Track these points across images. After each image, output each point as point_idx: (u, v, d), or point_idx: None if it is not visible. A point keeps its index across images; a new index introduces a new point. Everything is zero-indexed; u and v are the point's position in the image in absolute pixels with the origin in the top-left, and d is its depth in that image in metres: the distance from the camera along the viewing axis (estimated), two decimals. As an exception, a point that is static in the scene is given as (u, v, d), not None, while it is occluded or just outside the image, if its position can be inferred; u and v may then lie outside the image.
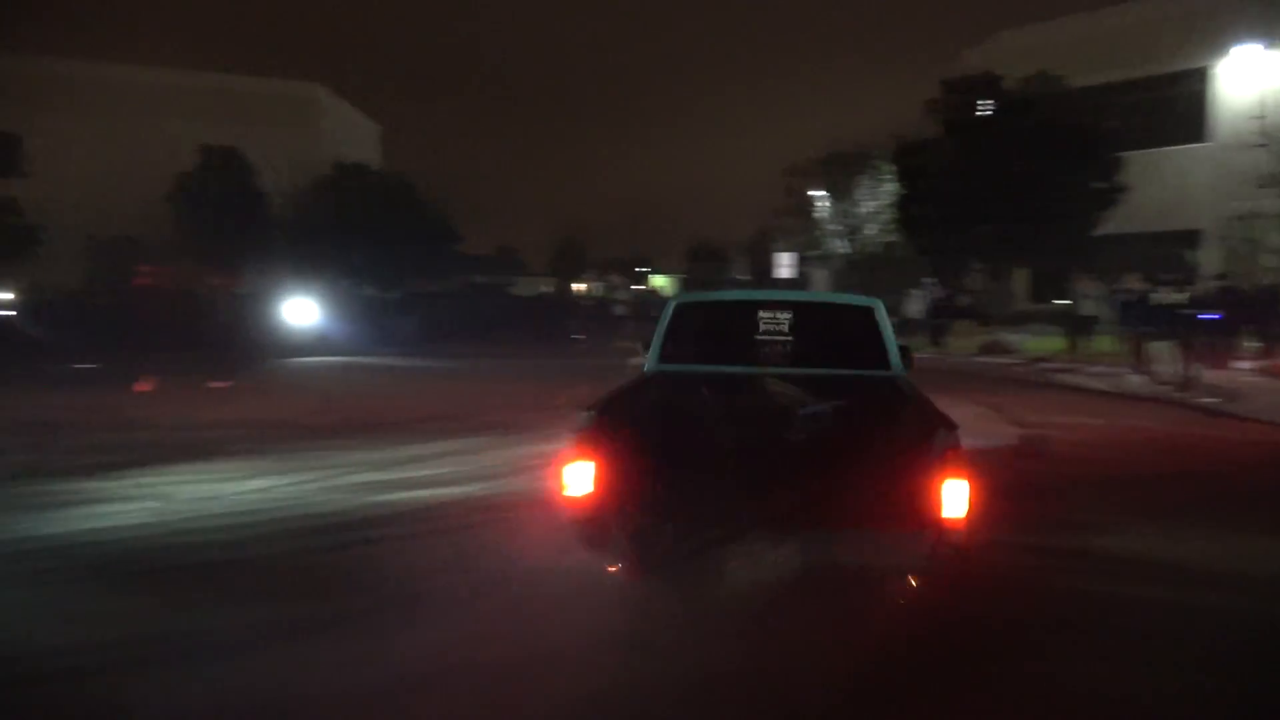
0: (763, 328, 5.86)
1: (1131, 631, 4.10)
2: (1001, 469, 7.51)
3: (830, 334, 5.95)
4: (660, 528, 4.49)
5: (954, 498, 3.95)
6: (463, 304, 32.14)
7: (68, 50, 34.88)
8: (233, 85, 35.85)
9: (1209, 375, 13.46)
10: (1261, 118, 19.29)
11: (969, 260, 22.13)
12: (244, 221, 29.62)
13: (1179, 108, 25.58)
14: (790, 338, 5.81)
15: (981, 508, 4.37)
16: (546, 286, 60.24)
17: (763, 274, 42.33)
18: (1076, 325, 17.13)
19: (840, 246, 27.41)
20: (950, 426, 4.11)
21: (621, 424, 4.32)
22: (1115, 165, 19.67)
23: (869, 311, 5.95)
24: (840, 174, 26.56)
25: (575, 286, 59.96)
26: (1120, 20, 26.77)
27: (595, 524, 4.25)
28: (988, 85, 20.10)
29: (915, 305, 22.76)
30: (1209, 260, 23.51)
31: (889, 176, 23.90)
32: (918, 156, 20.88)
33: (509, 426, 9.94)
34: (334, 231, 30.37)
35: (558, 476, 4.35)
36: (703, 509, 4.38)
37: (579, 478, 4.19)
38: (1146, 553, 5.36)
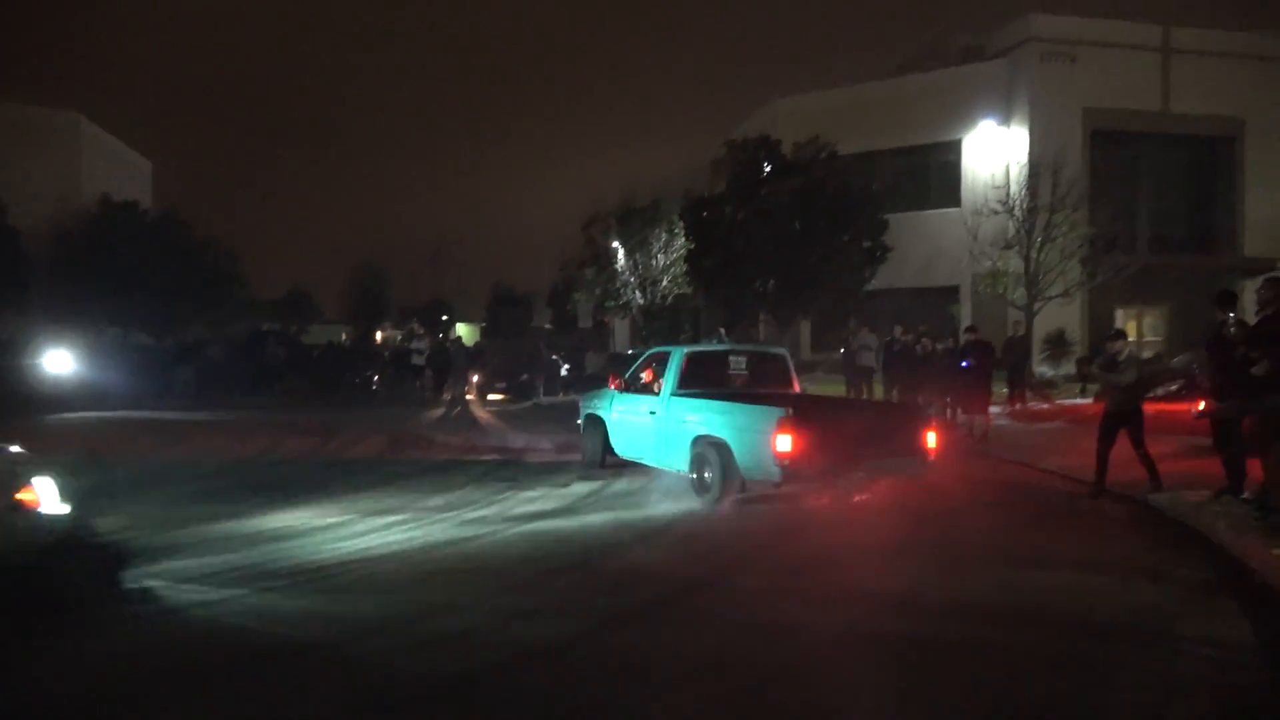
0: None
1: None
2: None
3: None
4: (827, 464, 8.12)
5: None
6: (247, 352, 30.27)
7: None
8: (-21, 111, 32.48)
9: (963, 419, 14.77)
10: (999, 186, 21.65)
11: (756, 311, 23.30)
12: (-7, 262, 26.73)
13: (935, 175, 28.29)
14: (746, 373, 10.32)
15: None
16: (345, 333, 57.96)
17: (565, 323, 42.73)
18: (855, 374, 18.31)
19: (638, 297, 28.09)
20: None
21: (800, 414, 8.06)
22: (881, 225, 21.44)
23: (783, 356, 10.91)
24: (635, 226, 27.31)
25: (377, 334, 58.05)
26: (884, 93, 29.34)
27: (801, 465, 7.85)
28: (766, 147, 21.43)
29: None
30: (966, 314, 25.98)
31: (680, 230, 24.85)
32: (705, 212, 21.88)
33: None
34: (100, 274, 27.97)
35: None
36: (843, 453, 8.16)
37: (787, 444, 7.84)
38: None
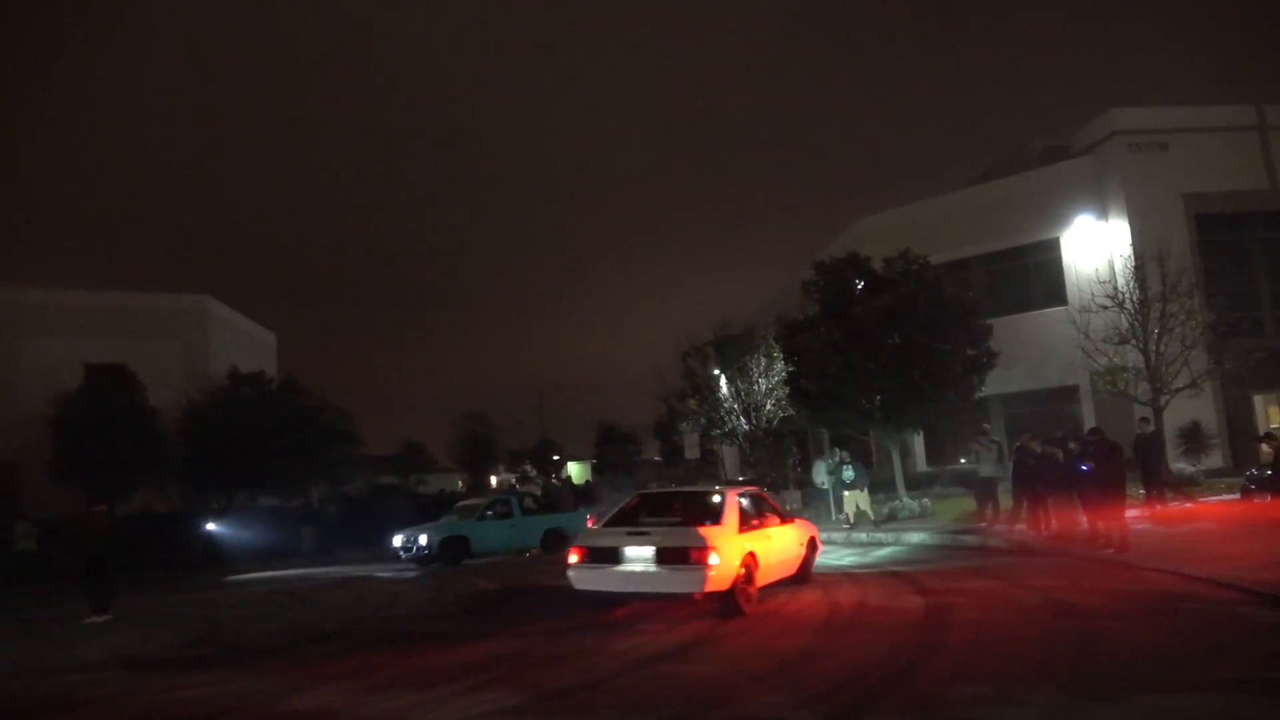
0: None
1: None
2: (893, 645, 7.46)
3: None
4: None
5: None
6: (368, 507, 31.31)
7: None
8: (119, 302, 35.40)
9: (1101, 526, 13.90)
10: (1105, 281, 20.97)
11: (863, 429, 22.81)
12: (134, 439, 28.56)
13: (1035, 275, 27.72)
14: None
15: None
16: (461, 480, 59.19)
17: (673, 455, 42.61)
18: (981, 487, 17.61)
19: (742, 424, 27.93)
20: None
21: None
22: (984, 332, 20.92)
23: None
24: (732, 354, 27.42)
25: (491, 478, 59.12)
26: (970, 201, 29.28)
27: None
28: (855, 265, 21.42)
29: (821, 475, 23.13)
30: (1089, 414, 24.85)
31: (778, 354, 24.82)
32: (799, 335, 21.81)
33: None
34: (229, 442, 29.51)
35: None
36: None
37: None
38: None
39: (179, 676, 8.45)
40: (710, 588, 9.16)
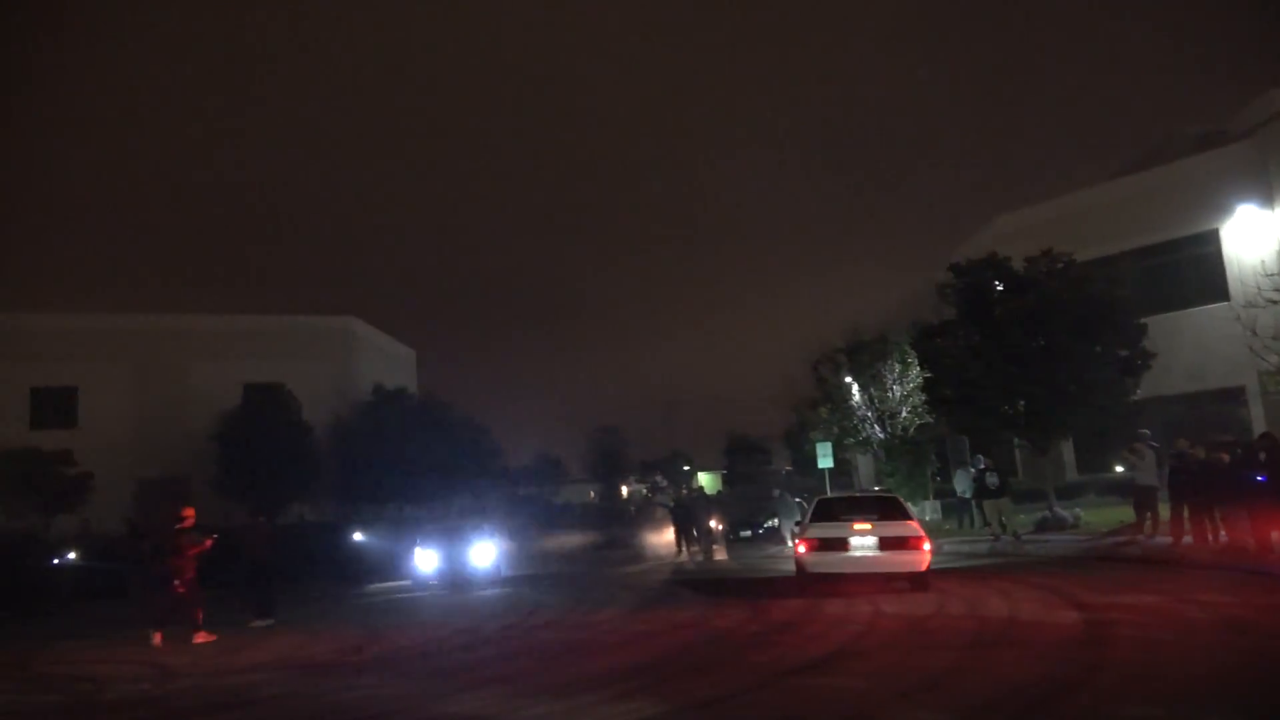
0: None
1: None
2: (1049, 663, 7.11)
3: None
4: None
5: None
6: (508, 517, 32.30)
7: (114, 306, 37.22)
8: (273, 325, 37.65)
9: (1276, 538, 12.91)
10: (1273, 274, 19.41)
11: (1007, 436, 21.90)
12: (289, 454, 30.31)
13: (1192, 270, 25.91)
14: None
15: None
16: (592, 491, 60.14)
17: (805, 464, 41.96)
18: (1140, 495, 16.64)
19: (877, 432, 27.30)
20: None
21: None
22: (1137, 332, 19.75)
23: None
24: (865, 360, 26.85)
25: (622, 489, 59.86)
26: (1118, 194, 27.70)
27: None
28: (994, 266, 20.58)
29: (963, 484, 22.37)
30: (1257, 417, 23.07)
31: (913, 360, 24.14)
32: (936, 340, 21.13)
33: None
34: (375, 456, 30.91)
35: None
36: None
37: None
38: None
39: (339, 680, 8.88)
40: (923, 567, 12.26)
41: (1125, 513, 18.44)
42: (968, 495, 22.05)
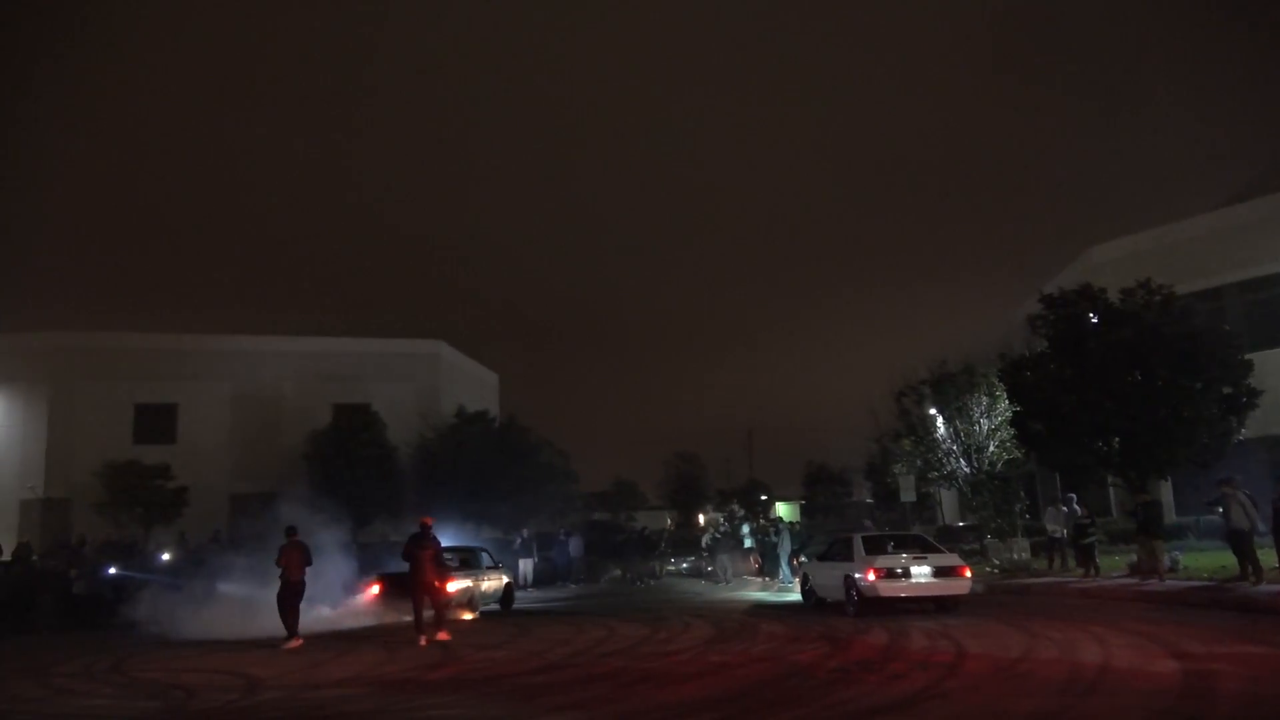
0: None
1: None
2: (1144, 714, 6.77)
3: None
4: None
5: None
6: (578, 544, 32.44)
7: (214, 327, 38.86)
8: (362, 349, 38.75)
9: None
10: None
11: (1101, 474, 21.08)
12: (375, 474, 31.04)
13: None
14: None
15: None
16: (670, 518, 59.87)
17: (887, 497, 41.14)
18: (1234, 541, 15.83)
19: (962, 467, 26.58)
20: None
21: None
22: (1242, 368, 18.86)
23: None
24: (951, 393, 26.21)
25: (700, 517, 59.42)
26: (1224, 224, 26.65)
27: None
28: (1088, 298, 19.93)
29: (1054, 523, 21.59)
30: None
31: (1001, 393, 23.47)
32: (1026, 373, 20.53)
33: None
34: (457, 478, 31.41)
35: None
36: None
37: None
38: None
39: (418, 698, 9.01)
40: (967, 591, 15.13)
41: (1227, 558, 17.55)
42: (1059, 535, 21.27)
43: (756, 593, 22.23)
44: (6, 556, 23.48)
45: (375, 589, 17.71)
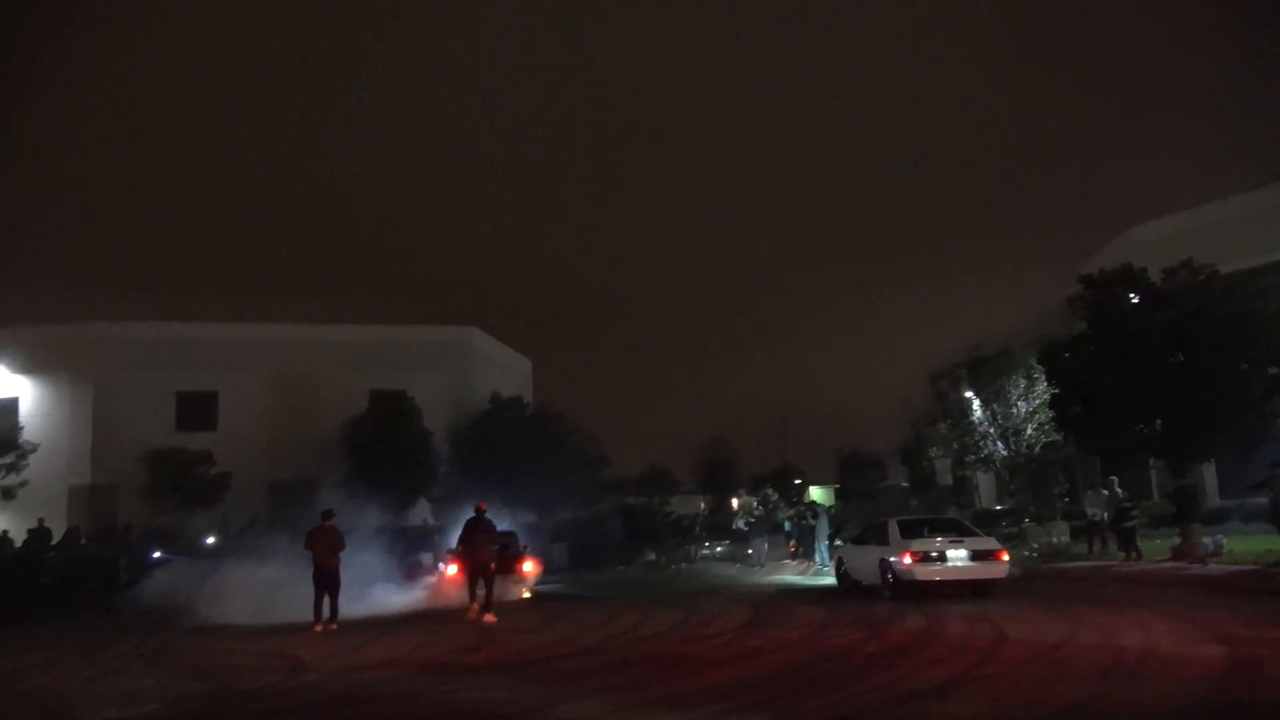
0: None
1: None
2: (1189, 699, 6.67)
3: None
4: None
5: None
6: (615, 526, 32.63)
7: (251, 316, 39.31)
8: (397, 336, 39.04)
9: None
10: None
11: (1142, 457, 20.75)
12: (411, 459, 31.33)
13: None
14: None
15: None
16: (703, 503, 59.87)
17: (923, 482, 40.86)
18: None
19: (1000, 450, 26.30)
20: None
21: None
22: (1290, 348, 18.43)
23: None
24: (988, 376, 25.93)
25: (733, 501, 59.36)
26: (1272, 201, 26.02)
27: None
28: (1129, 278, 19.56)
29: (1094, 506, 21.32)
30: None
31: (1040, 376, 23.17)
32: (1064, 355, 20.22)
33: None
34: (490, 463, 31.63)
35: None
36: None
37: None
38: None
39: (456, 680, 9.12)
40: (1003, 575, 14.72)
41: (1274, 541, 17.25)
42: (1100, 518, 20.99)
43: (791, 577, 22.22)
44: (55, 541, 24.06)
45: (454, 568, 18.31)
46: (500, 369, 42.24)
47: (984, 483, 36.67)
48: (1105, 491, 20.61)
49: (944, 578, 14.52)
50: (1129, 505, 19.47)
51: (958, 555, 14.64)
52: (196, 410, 35.35)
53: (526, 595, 18.39)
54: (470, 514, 15.45)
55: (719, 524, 37.64)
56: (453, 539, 20.99)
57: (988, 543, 15.19)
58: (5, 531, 24.89)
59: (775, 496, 36.31)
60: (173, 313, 39.43)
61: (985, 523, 26.18)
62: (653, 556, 30.70)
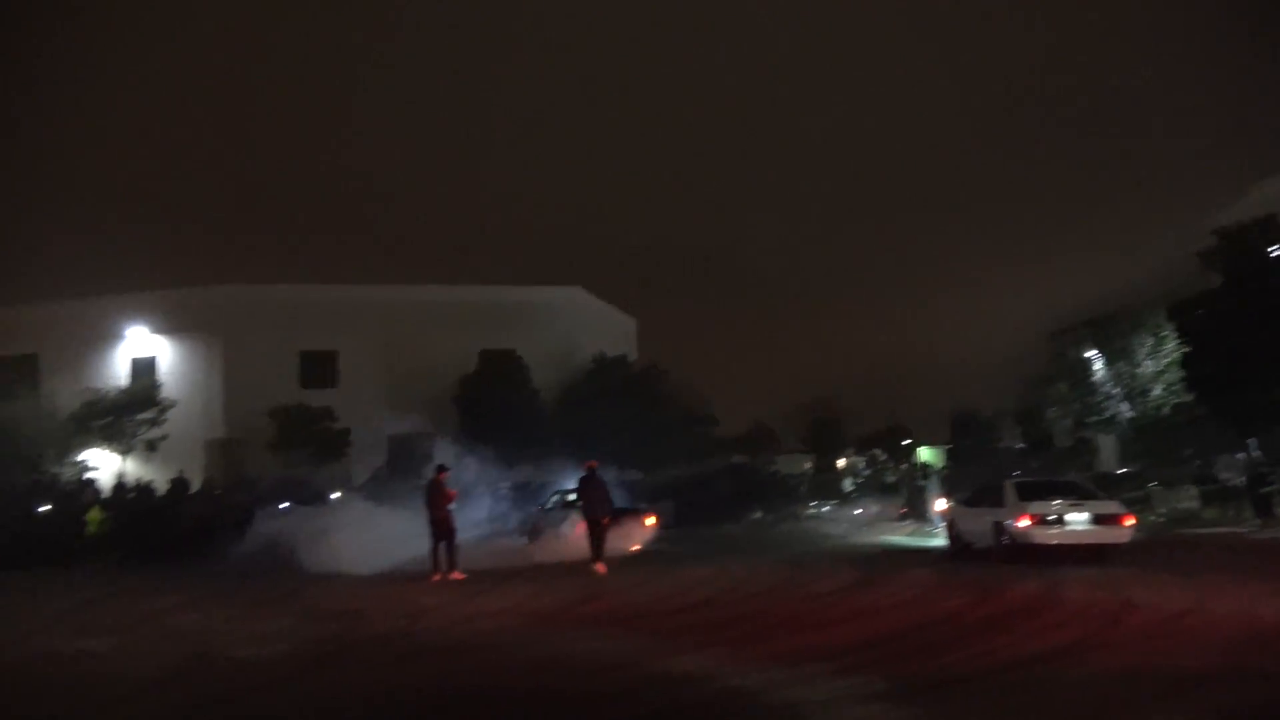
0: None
1: None
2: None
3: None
4: None
5: None
6: (722, 484, 32.76)
7: (367, 278, 40.70)
8: (506, 296, 39.84)
9: None
10: None
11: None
12: (520, 417, 32.07)
13: None
14: None
15: None
16: (808, 462, 59.43)
17: (1040, 443, 39.52)
18: None
19: (1125, 411, 25.19)
20: None
21: None
22: None
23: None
24: (1112, 334, 24.77)
25: (839, 462, 58.74)
26: None
27: None
28: (1267, 231, 18.30)
29: (1228, 470, 20.26)
30: None
31: (1168, 335, 22.00)
32: (1196, 312, 19.14)
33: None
34: (596, 421, 32.10)
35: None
36: None
37: None
38: None
39: (567, 631, 9.37)
40: (1127, 540, 14.16)
41: None
42: (1234, 483, 19.91)
43: (900, 538, 21.92)
44: (192, 491, 25.67)
45: (650, 520, 19.80)
46: (605, 328, 42.63)
47: (1106, 445, 35.21)
48: (1240, 455, 19.52)
49: (1063, 541, 14.02)
50: (1266, 469, 18.41)
51: (1078, 518, 14.11)
52: (318, 368, 36.99)
53: (636, 548, 18.74)
54: (581, 472, 15.99)
55: (825, 483, 37.36)
56: (557, 496, 21.63)
57: (1110, 506, 14.63)
58: (150, 481, 26.70)
59: (883, 457, 35.79)
60: (296, 275, 41.13)
61: (1107, 486, 25.19)
62: (759, 515, 30.73)
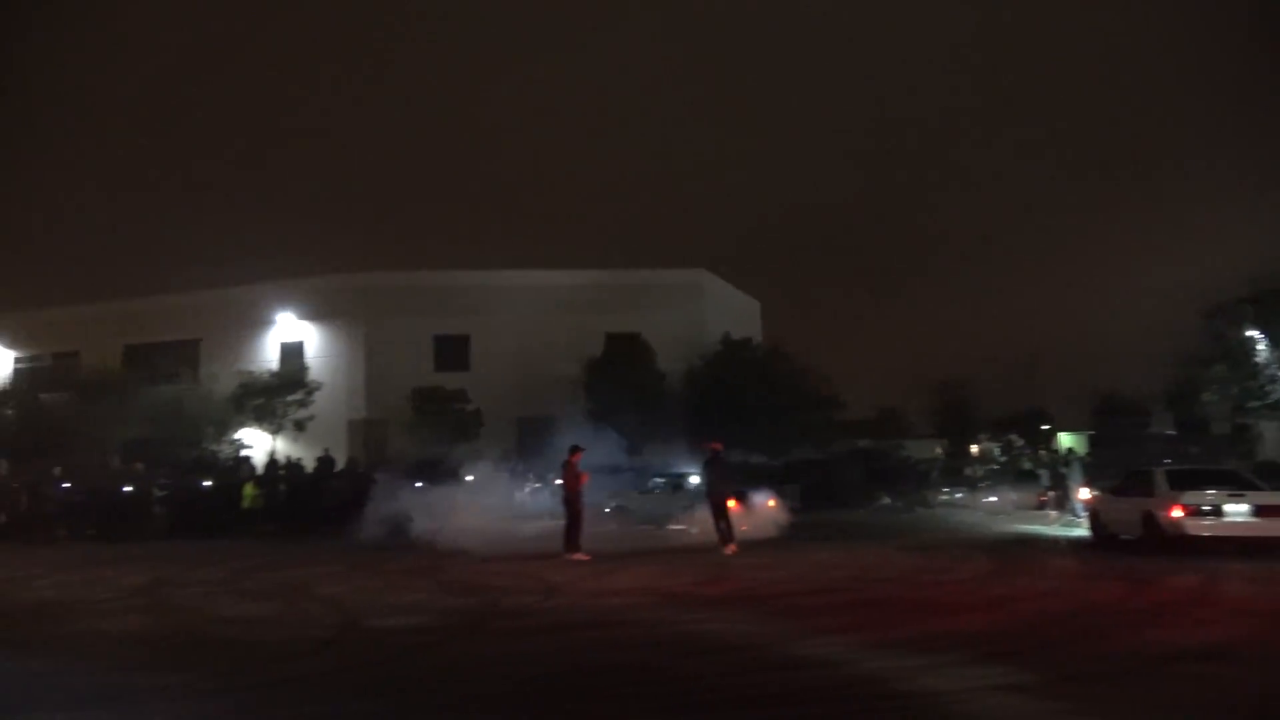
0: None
1: None
2: None
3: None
4: None
5: None
6: (849, 469, 32.24)
7: (499, 263, 41.70)
8: (630, 279, 40.11)
9: None
10: None
11: None
12: (647, 400, 32.33)
13: None
14: None
15: None
16: (939, 447, 57.70)
17: (1194, 429, 37.21)
18: None
19: (1291, 395, 23.45)
20: None
21: None
22: None
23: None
24: (1277, 311, 23.02)
25: (973, 447, 56.86)
26: None
27: None
28: None
29: None
30: None
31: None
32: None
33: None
34: (722, 404, 32.05)
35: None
36: None
37: None
38: None
39: (696, 610, 9.46)
40: None
41: None
42: None
43: (1039, 526, 21.08)
44: (338, 469, 27.05)
45: (771, 503, 19.97)
46: (729, 310, 42.45)
47: (1269, 432, 32.84)
48: None
49: (1219, 534, 13.30)
50: None
51: (1237, 510, 13.33)
52: (451, 352, 38.23)
53: (763, 532, 18.67)
54: (705, 454, 16.05)
55: (957, 469, 36.24)
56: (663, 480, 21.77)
57: (1275, 498, 13.70)
58: (299, 459, 28.30)
59: (1020, 443, 34.44)
60: (430, 262, 42.63)
61: (1271, 476, 23.55)
62: (888, 500, 30.08)
